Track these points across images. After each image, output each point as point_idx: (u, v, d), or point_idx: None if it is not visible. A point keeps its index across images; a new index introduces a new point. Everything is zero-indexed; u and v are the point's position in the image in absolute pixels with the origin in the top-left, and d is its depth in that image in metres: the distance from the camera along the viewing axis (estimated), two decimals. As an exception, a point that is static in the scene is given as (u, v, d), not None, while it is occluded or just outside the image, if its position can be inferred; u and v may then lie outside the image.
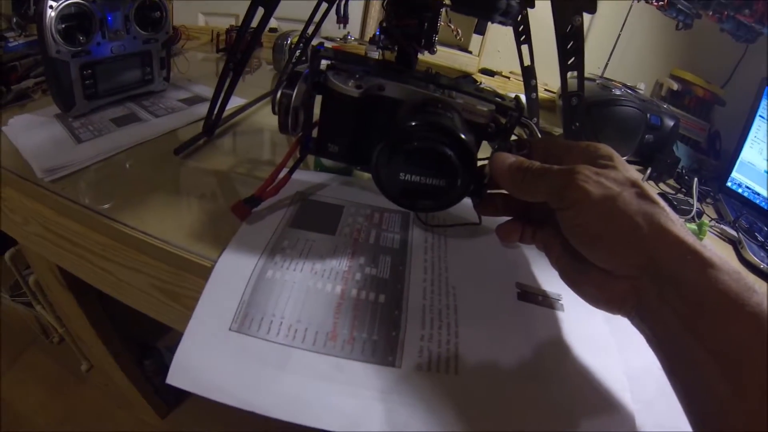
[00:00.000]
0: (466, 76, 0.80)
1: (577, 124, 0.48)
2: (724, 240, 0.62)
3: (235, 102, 0.59)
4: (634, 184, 0.26)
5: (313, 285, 0.33)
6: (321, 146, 0.36)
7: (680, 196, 0.69)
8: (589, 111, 0.69)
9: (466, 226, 0.41)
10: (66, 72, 0.51)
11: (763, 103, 0.69)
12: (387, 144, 0.29)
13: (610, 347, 0.34)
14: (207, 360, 0.30)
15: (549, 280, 0.38)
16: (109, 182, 0.44)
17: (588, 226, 0.26)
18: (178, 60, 0.82)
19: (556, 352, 0.32)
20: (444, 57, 0.85)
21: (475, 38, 0.86)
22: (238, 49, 0.46)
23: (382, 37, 0.42)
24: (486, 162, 0.32)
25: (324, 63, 0.35)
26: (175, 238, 0.37)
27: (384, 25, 0.41)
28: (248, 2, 0.43)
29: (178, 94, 0.64)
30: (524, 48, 0.60)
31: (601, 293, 0.28)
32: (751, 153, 0.71)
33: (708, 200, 0.71)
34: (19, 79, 0.59)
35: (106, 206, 0.40)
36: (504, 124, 0.34)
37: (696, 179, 0.64)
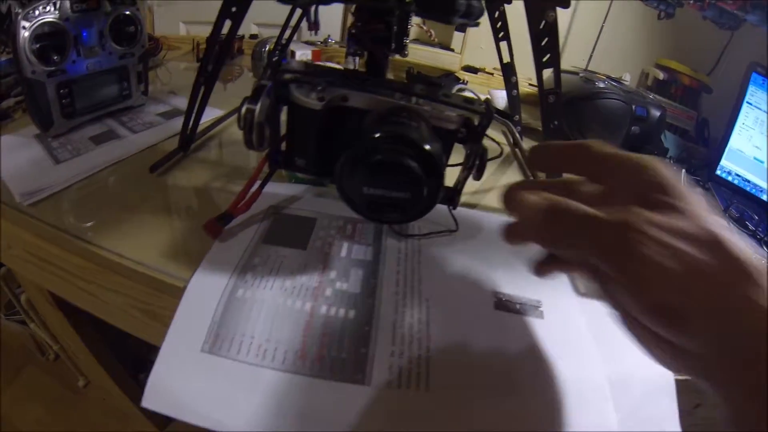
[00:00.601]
0: (449, 75, 0.80)
1: (556, 122, 0.47)
2: None
3: (212, 114, 0.59)
4: (715, 241, 0.19)
5: (282, 303, 0.32)
6: (288, 160, 0.36)
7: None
8: (573, 105, 0.68)
9: (441, 234, 0.40)
10: (42, 92, 0.51)
11: (750, 89, 0.68)
12: (348, 158, 0.29)
13: (592, 354, 0.33)
14: (180, 382, 0.30)
15: (528, 286, 0.38)
16: (86, 204, 0.44)
17: (654, 307, 0.20)
18: (159, 71, 0.82)
19: (534, 363, 0.31)
20: (426, 56, 0.84)
21: (458, 35, 0.85)
22: (208, 62, 0.46)
23: (352, 43, 0.41)
24: (460, 165, 0.31)
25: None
26: (150, 258, 0.37)
27: (353, 30, 0.40)
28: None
29: (158, 107, 0.63)
30: (503, 45, 0.59)
31: (675, 361, 0.22)
32: (739, 140, 0.70)
33: (697, 190, 0.70)
34: (0, 99, 0.59)
35: (83, 229, 0.40)
36: (475, 127, 0.33)
37: (684, 170, 0.63)
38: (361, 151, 0.28)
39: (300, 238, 0.38)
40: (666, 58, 0.80)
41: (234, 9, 0.43)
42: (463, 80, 0.80)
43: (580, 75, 0.71)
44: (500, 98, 0.71)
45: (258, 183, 0.39)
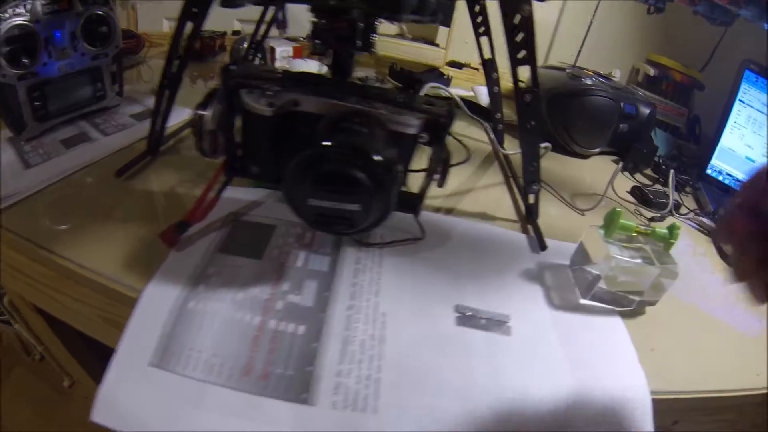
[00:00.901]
0: (433, 71, 0.78)
1: (533, 122, 0.45)
2: (703, 233, 0.60)
3: (184, 114, 0.58)
4: None
5: (232, 316, 0.31)
6: (243, 167, 0.35)
7: (657, 187, 0.66)
8: (559, 103, 0.67)
9: (406, 243, 0.39)
10: (13, 95, 0.50)
11: (743, 87, 0.65)
12: (293, 168, 0.28)
13: (562, 375, 0.32)
14: (129, 397, 0.29)
15: (496, 299, 0.37)
16: (51, 211, 0.43)
17: None
18: (142, 68, 0.81)
19: (499, 384, 0.30)
20: (409, 51, 0.82)
21: (443, 30, 0.83)
22: (171, 63, 0.44)
23: (316, 42, 0.40)
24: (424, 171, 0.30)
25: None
26: (109, 268, 0.36)
27: (316, 29, 0.38)
28: (215, 7, 0.41)
29: (132, 108, 0.62)
30: (484, 40, 0.57)
31: None
32: (731, 138, 0.68)
33: (687, 189, 0.68)
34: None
35: (46, 237, 0.39)
36: (438, 131, 0.32)
37: (672, 171, 0.61)
38: (306, 161, 0.27)
39: (256, 247, 0.37)
40: (657, 53, 0.78)
41: (195, 10, 0.41)
42: (448, 76, 0.78)
43: (567, 71, 0.69)
44: (484, 95, 0.69)
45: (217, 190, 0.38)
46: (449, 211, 0.49)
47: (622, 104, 0.67)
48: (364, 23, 0.37)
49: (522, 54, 0.42)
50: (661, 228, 0.40)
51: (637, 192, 0.64)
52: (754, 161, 0.67)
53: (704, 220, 0.60)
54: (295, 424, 0.27)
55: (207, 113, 0.32)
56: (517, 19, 0.40)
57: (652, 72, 0.76)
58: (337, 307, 0.32)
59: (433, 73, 0.76)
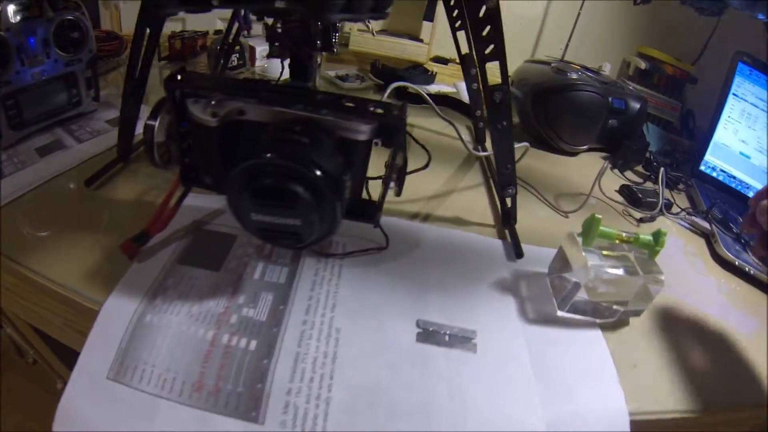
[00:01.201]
0: (417, 67, 0.76)
1: (504, 123, 0.44)
2: (696, 233, 0.58)
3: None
4: None
5: (186, 330, 0.31)
6: (197, 177, 0.34)
7: (649, 185, 0.64)
8: (544, 98, 0.65)
9: (368, 253, 0.38)
10: (-13, 105, 0.50)
11: (736, 80, 0.63)
12: (230, 182, 0.27)
13: (531, 396, 0.30)
14: (87, 410, 0.29)
15: (463, 313, 0.35)
16: (21, 221, 0.42)
17: None
18: (124, 71, 0.80)
19: (460, 408, 0.29)
20: (392, 47, 0.80)
21: (426, 25, 0.81)
22: (134, 69, 0.44)
23: (274, 44, 0.39)
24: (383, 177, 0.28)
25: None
26: (73, 281, 0.36)
27: (271, 31, 0.37)
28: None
29: (108, 114, 0.62)
30: (461, 34, 0.55)
31: None
32: (725, 134, 0.66)
33: (680, 186, 0.66)
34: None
35: (14, 248, 0.39)
36: (392, 137, 0.31)
37: (663, 168, 0.59)
38: (244, 174, 0.26)
39: (215, 257, 0.36)
40: (648, 46, 0.75)
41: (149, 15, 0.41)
42: (431, 72, 0.77)
43: (552, 65, 0.67)
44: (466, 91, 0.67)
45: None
46: (420, 217, 0.48)
47: (610, 99, 0.65)
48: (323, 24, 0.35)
49: (490, 49, 0.40)
50: (645, 235, 0.38)
51: (626, 191, 0.62)
52: (749, 157, 0.65)
53: (696, 219, 0.58)
54: None
55: (155, 124, 0.32)
56: (482, 11, 0.38)
57: (643, 65, 0.74)
58: (291, 322, 0.31)
59: (417, 70, 0.75)
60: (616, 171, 0.67)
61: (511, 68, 0.73)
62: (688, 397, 0.34)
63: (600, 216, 0.36)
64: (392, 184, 0.33)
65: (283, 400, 0.27)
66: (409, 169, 0.35)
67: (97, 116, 0.61)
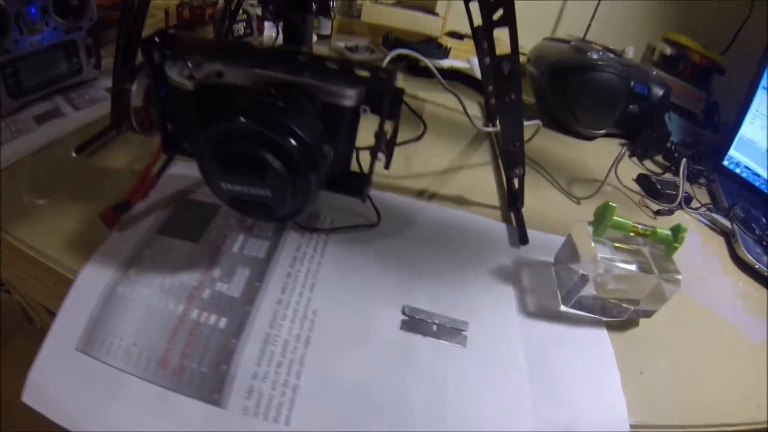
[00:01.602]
0: (430, 41, 0.73)
1: (513, 96, 0.40)
2: (715, 231, 0.54)
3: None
4: None
5: (156, 303, 0.29)
6: (176, 144, 0.32)
7: (668, 176, 0.60)
8: (560, 77, 0.61)
9: (357, 229, 0.36)
10: (-15, 74, 0.49)
11: (767, 73, 0.58)
12: (200, 148, 0.25)
13: (522, 400, 0.28)
14: (56, 381, 0.29)
15: (457, 302, 0.33)
16: (9, 189, 0.42)
17: None
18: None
19: (438, 407, 0.27)
20: (404, 20, 0.76)
21: (442, -2, 0.77)
22: (123, 35, 0.42)
23: (267, 6, 0.36)
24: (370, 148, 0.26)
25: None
26: (54, 250, 0.35)
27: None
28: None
29: (109, 82, 0.61)
30: (474, 5, 0.52)
31: None
32: (751, 129, 0.61)
33: (701, 181, 0.62)
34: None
35: (2, 216, 0.38)
36: (381, 103, 0.28)
37: (684, 160, 0.55)
38: (212, 139, 0.24)
39: (196, 228, 0.34)
40: (676, 32, 0.70)
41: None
42: (446, 47, 0.73)
43: (572, 43, 0.63)
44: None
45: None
46: (421, 195, 0.45)
47: (632, 83, 0.61)
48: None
49: (498, 14, 0.37)
50: (663, 229, 0.34)
51: (644, 181, 0.58)
52: None
53: (717, 216, 0.55)
54: (201, 425, 0.25)
55: (132, 88, 0.30)
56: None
57: (668, 51, 0.69)
58: (265, 300, 0.29)
59: (430, 44, 0.71)
60: (634, 159, 0.63)
61: (530, 46, 0.70)
62: (698, 412, 0.31)
63: (614, 204, 0.33)
64: (381, 156, 0.30)
65: (248, 384, 0.26)
66: (404, 139, 0.32)
67: (97, 84, 0.60)
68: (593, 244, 0.33)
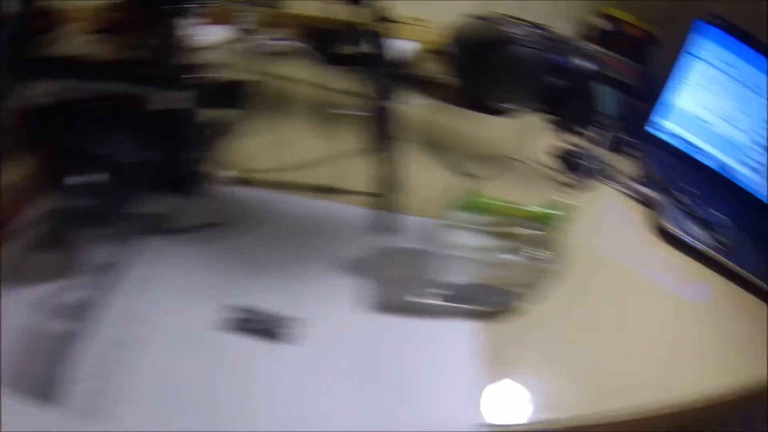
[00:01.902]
0: (352, 28, 0.70)
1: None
2: (640, 201, 0.53)
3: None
4: None
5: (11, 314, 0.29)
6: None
7: (600, 151, 0.58)
8: (475, 53, 0.59)
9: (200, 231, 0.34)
10: None
11: (695, 41, 0.57)
12: None
13: (351, 398, 0.27)
14: None
15: (295, 299, 0.32)
16: None
17: None
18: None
19: (254, 406, 0.26)
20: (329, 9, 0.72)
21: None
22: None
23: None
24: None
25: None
26: None
27: None
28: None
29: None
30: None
31: None
32: (684, 99, 0.60)
33: (631, 153, 0.60)
34: None
35: None
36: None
37: (604, 131, 0.53)
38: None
39: (54, 237, 0.33)
40: (619, 9, 0.69)
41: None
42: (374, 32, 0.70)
43: (491, 19, 0.60)
44: (399, 49, 0.62)
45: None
46: (284, 187, 0.42)
47: (552, 56, 0.58)
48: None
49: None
50: (540, 208, 0.33)
51: (564, 156, 0.56)
52: (710, 123, 0.58)
53: (639, 187, 0.53)
54: (32, 425, 0.24)
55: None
56: None
57: (604, 25, 0.67)
58: (105, 305, 0.29)
59: (351, 30, 0.69)
60: (565, 136, 0.61)
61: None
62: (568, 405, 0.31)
63: (477, 187, 0.32)
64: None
65: (76, 385, 0.25)
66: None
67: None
68: (463, 230, 0.32)
